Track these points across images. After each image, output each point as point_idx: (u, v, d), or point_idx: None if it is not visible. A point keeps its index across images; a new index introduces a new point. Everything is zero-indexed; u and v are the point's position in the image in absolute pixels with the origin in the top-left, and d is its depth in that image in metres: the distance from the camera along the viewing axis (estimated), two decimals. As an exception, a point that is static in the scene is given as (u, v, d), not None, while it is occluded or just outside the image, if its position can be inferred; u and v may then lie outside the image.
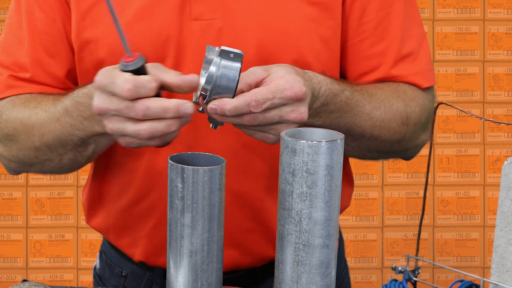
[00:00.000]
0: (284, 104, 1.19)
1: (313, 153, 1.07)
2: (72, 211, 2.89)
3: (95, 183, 1.52)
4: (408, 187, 2.91)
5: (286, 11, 1.37)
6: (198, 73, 1.34)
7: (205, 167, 1.10)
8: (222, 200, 1.12)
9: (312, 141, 1.07)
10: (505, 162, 1.15)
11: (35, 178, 2.84)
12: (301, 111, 1.20)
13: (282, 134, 1.09)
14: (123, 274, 1.54)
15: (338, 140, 1.08)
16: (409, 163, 2.86)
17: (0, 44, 1.49)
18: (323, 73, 1.31)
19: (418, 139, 1.46)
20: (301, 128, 1.13)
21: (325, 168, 1.07)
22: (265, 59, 1.34)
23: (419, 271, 1.31)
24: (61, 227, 2.89)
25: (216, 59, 1.16)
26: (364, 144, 1.41)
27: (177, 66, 1.38)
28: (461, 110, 1.20)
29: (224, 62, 1.16)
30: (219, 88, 1.16)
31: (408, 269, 1.30)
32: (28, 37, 1.45)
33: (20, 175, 2.83)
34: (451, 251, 2.92)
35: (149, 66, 1.21)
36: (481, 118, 1.19)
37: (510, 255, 1.16)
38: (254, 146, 1.40)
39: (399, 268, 1.30)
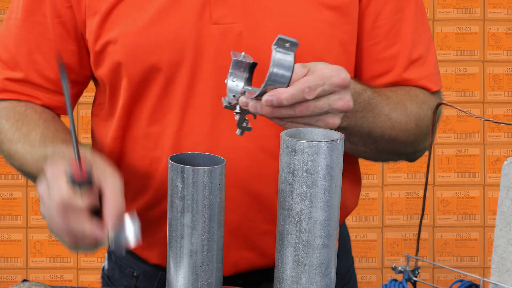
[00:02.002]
0: (331, 92, 1.18)
1: (313, 153, 1.07)
2: (72, 211, 2.88)
3: None
4: (408, 187, 2.91)
5: (306, 16, 1.38)
6: (217, 76, 1.34)
7: (205, 167, 1.10)
8: (222, 200, 1.12)
9: (312, 141, 1.07)
10: (505, 162, 1.15)
11: (35, 178, 2.84)
12: (348, 99, 1.20)
13: (282, 134, 1.09)
14: (134, 274, 1.54)
15: (338, 140, 1.08)
16: (409, 163, 2.86)
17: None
18: None
19: (427, 141, 1.47)
20: (301, 128, 1.13)
21: (325, 168, 1.07)
22: None
23: (419, 271, 1.31)
24: (61, 227, 2.89)
25: (272, 49, 1.14)
26: (382, 146, 1.42)
27: (194, 70, 1.38)
28: (461, 110, 1.20)
29: (280, 52, 1.14)
30: (276, 77, 1.14)
31: (408, 269, 1.30)
32: (25, 38, 1.47)
33: (20, 175, 2.82)
34: (451, 251, 2.92)
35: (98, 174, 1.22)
36: (481, 118, 1.19)
37: (510, 255, 1.16)
38: (271, 150, 1.40)
39: (399, 268, 1.30)
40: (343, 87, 1.19)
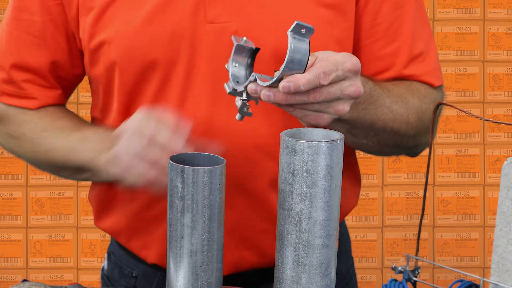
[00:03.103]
0: (343, 79, 1.19)
1: (313, 153, 1.07)
2: (72, 211, 2.89)
3: (104, 185, 1.52)
4: (408, 187, 2.91)
5: (302, 14, 1.38)
6: (213, 76, 1.33)
7: (205, 167, 1.10)
8: (222, 200, 1.12)
9: (312, 141, 1.07)
10: (505, 162, 1.16)
11: (35, 178, 2.84)
12: (358, 85, 1.21)
13: (282, 134, 1.09)
14: (133, 274, 1.54)
15: (338, 140, 1.08)
16: (409, 163, 2.86)
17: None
18: None
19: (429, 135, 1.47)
20: (301, 128, 1.13)
21: (325, 168, 1.07)
22: (281, 61, 1.34)
23: (419, 271, 1.31)
24: (61, 227, 2.89)
25: (288, 35, 1.14)
26: (384, 139, 1.42)
27: (190, 69, 1.37)
28: (461, 110, 1.21)
29: (295, 38, 1.14)
30: (293, 64, 1.14)
31: (408, 269, 1.30)
32: (14, 35, 1.48)
33: (20, 175, 2.83)
34: (451, 251, 2.92)
35: None
36: (481, 118, 1.20)
37: (510, 255, 1.16)
38: (268, 148, 1.40)
39: (399, 268, 1.30)
40: (355, 72, 1.20)
